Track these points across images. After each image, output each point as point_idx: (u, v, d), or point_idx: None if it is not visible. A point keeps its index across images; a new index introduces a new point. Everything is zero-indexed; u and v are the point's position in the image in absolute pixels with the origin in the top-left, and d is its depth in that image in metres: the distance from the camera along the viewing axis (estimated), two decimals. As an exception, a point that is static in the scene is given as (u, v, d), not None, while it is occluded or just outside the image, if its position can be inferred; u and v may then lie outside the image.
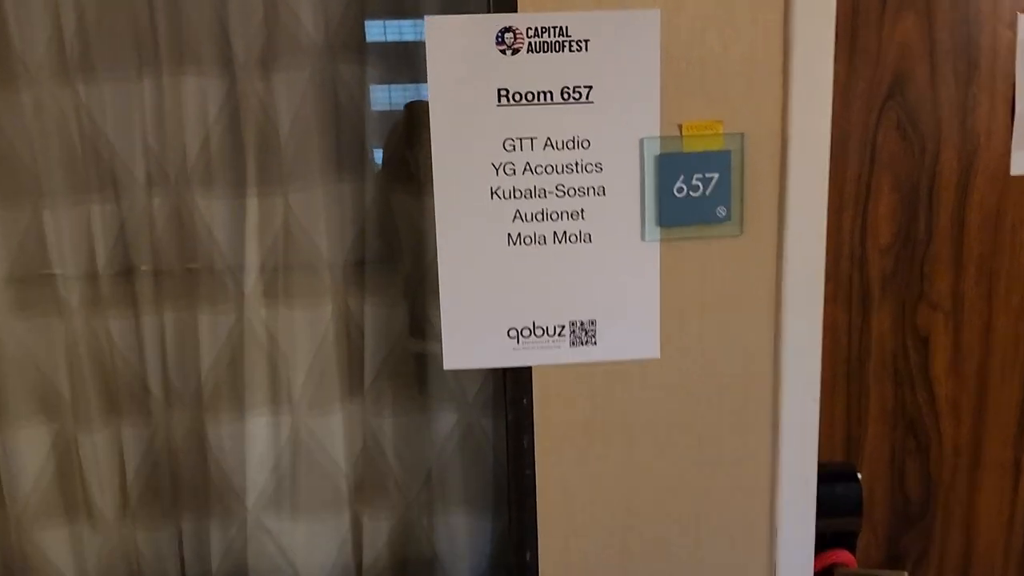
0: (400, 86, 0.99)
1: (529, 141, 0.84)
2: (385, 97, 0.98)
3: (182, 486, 1.00)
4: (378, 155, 0.97)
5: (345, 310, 0.98)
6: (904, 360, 1.05)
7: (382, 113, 0.97)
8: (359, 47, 0.94)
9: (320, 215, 0.95)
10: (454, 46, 0.82)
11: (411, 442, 1.01)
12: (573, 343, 0.88)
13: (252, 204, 0.95)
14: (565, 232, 0.86)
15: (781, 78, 0.85)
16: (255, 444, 0.98)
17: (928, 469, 1.08)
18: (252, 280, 0.95)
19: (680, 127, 0.84)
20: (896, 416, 1.06)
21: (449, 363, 0.88)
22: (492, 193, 0.85)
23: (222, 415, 0.98)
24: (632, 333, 0.89)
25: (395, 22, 0.98)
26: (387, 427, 1.00)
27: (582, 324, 0.88)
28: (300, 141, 0.93)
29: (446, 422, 1.01)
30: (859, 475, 1.03)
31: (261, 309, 0.96)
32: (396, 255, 1.00)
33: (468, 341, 0.88)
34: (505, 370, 0.89)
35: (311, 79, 0.92)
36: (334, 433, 0.98)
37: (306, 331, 0.96)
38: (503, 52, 0.82)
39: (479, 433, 1.01)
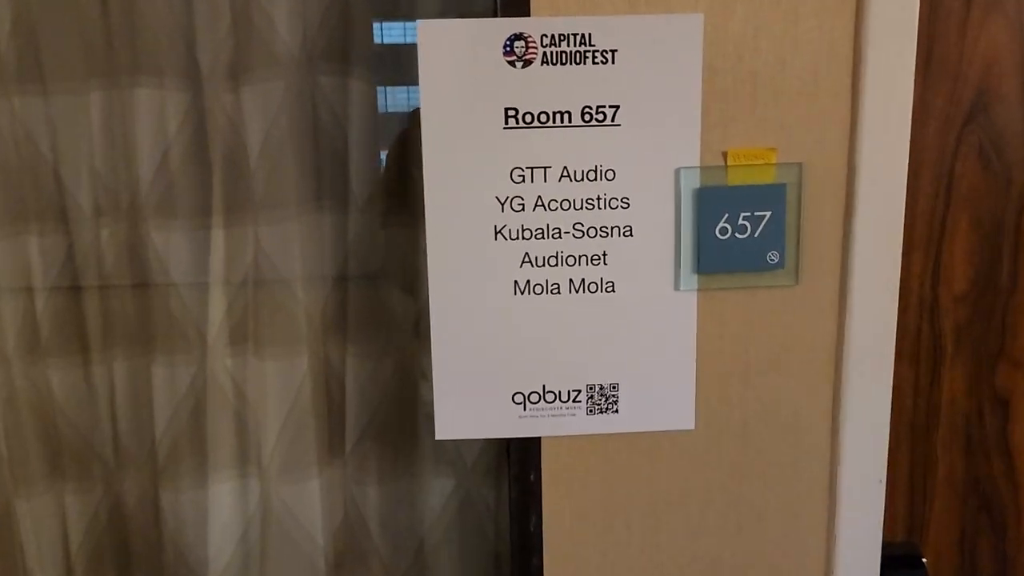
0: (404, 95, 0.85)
1: (542, 171, 0.71)
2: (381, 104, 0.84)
3: (134, 561, 0.88)
4: (360, 181, 0.83)
5: (324, 361, 0.85)
6: (979, 425, 0.90)
7: (371, 131, 0.83)
8: (342, 55, 0.80)
9: (295, 250, 0.82)
10: (452, 57, 0.68)
11: (399, 514, 0.89)
12: (591, 411, 0.75)
13: (217, 236, 0.82)
14: (583, 280, 0.73)
15: (849, 97, 0.72)
16: (219, 514, 0.86)
17: (1004, 550, 0.93)
18: (216, 326, 0.83)
19: (725, 155, 0.72)
20: (968, 490, 0.92)
21: (443, 432, 0.74)
22: (496, 233, 0.71)
23: (181, 480, 0.86)
24: (662, 400, 0.76)
25: (397, 24, 0.84)
26: (371, 496, 0.88)
27: (602, 388, 0.75)
28: (273, 164, 0.80)
29: (440, 491, 0.88)
30: (924, 560, 0.89)
31: (227, 359, 0.84)
32: (386, 295, 0.86)
33: (465, 407, 0.74)
34: (509, 441, 0.76)
35: (286, 92, 0.79)
36: (310, 502, 0.86)
37: (278, 384, 0.84)
38: (512, 64, 0.69)
39: (479, 505, 0.88)
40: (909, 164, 0.81)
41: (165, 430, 0.85)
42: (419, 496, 0.88)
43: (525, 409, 0.75)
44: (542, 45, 0.69)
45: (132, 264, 0.83)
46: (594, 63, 0.69)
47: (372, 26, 0.82)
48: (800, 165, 0.72)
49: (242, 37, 0.78)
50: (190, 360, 0.84)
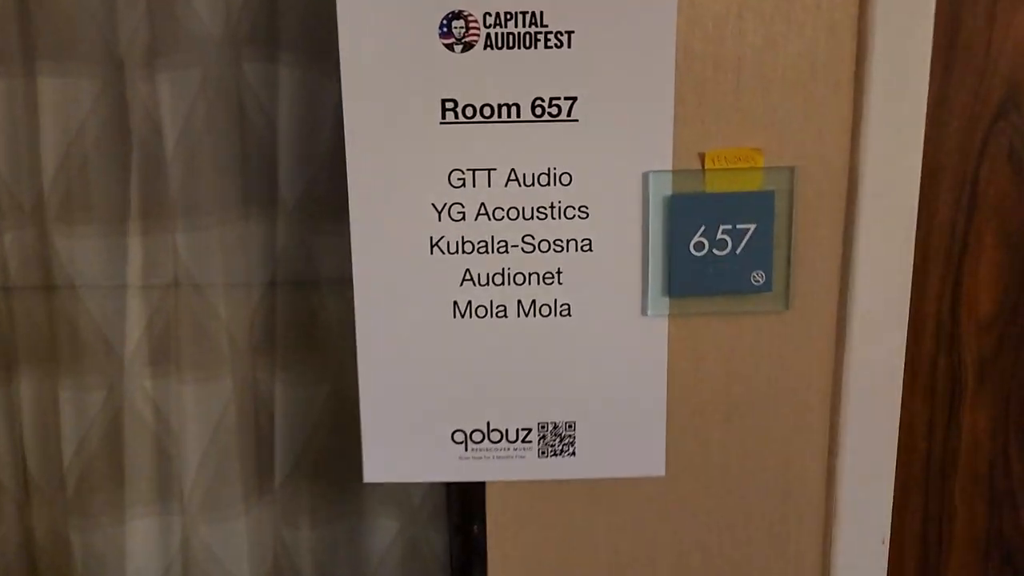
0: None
1: (485, 174, 0.61)
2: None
3: (41, 604, 0.79)
4: (290, 180, 0.74)
5: (251, 385, 0.76)
6: (1004, 472, 0.80)
7: (305, 124, 0.74)
8: (270, 39, 0.71)
9: (217, 259, 0.73)
10: (379, 37, 0.59)
11: (335, 559, 0.80)
12: (543, 453, 0.66)
13: (134, 244, 0.74)
14: (534, 302, 0.63)
15: (852, 89, 0.62)
16: (134, 555, 0.78)
17: (1031, 615, 0.82)
18: (133, 344, 0.74)
19: (702, 157, 0.62)
20: (990, 544, 0.82)
21: (371, 474, 0.65)
22: (432, 245, 0.62)
23: (93, 517, 0.78)
24: (627, 441, 0.66)
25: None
26: (304, 539, 0.80)
27: (556, 427, 0.65)
28: (190, 162, 0.71)
29: (384, 534, 0.80)
30: (936, 624, 0.78)
31: (145, 380, 0.75)
32: (321, 310, 0.77)
33: (398, 446, 0.65)
34: (450, 485, 0.66)
35: (205, 80, 0.70)
36: (235, 544, 0.78)
37: (199, 411, 0.75)
38: (450, 48, 0.59)
39: (426, 550, 0.79)
40: (924, 168, 0.72)
41: (72, 459, 0.76)
42: (358, 540, 0.80)
43: (467, 450, 0.65)
44: (485, 25, 0.59)
45: (38, 272, 0.75)
46: (547, 47, 0.59)
47: (307, 7, 0.72)
48: (792, 169, 0.63)
49: (156, 17, 0.70)
50: (100, 382, 0.76)
